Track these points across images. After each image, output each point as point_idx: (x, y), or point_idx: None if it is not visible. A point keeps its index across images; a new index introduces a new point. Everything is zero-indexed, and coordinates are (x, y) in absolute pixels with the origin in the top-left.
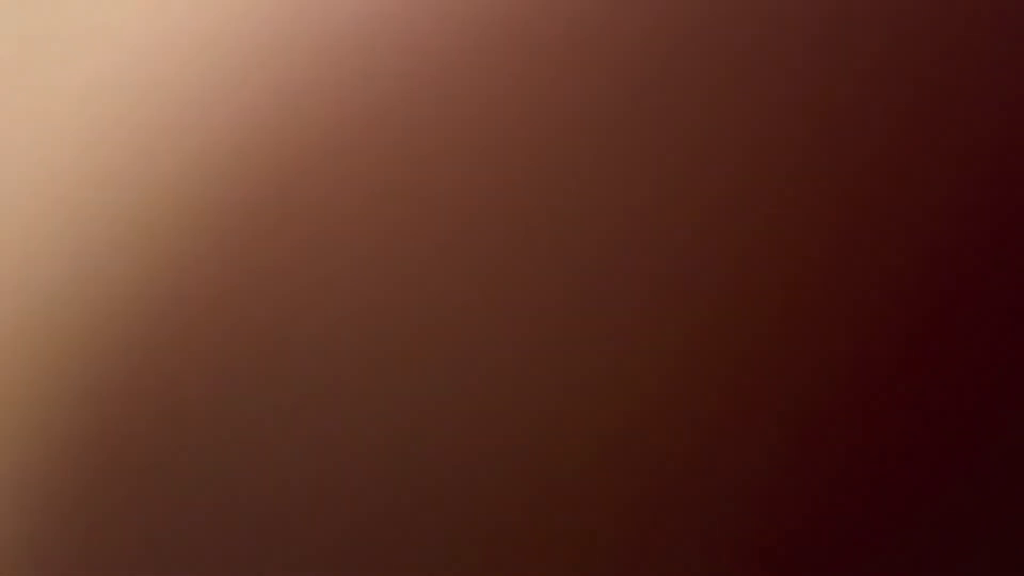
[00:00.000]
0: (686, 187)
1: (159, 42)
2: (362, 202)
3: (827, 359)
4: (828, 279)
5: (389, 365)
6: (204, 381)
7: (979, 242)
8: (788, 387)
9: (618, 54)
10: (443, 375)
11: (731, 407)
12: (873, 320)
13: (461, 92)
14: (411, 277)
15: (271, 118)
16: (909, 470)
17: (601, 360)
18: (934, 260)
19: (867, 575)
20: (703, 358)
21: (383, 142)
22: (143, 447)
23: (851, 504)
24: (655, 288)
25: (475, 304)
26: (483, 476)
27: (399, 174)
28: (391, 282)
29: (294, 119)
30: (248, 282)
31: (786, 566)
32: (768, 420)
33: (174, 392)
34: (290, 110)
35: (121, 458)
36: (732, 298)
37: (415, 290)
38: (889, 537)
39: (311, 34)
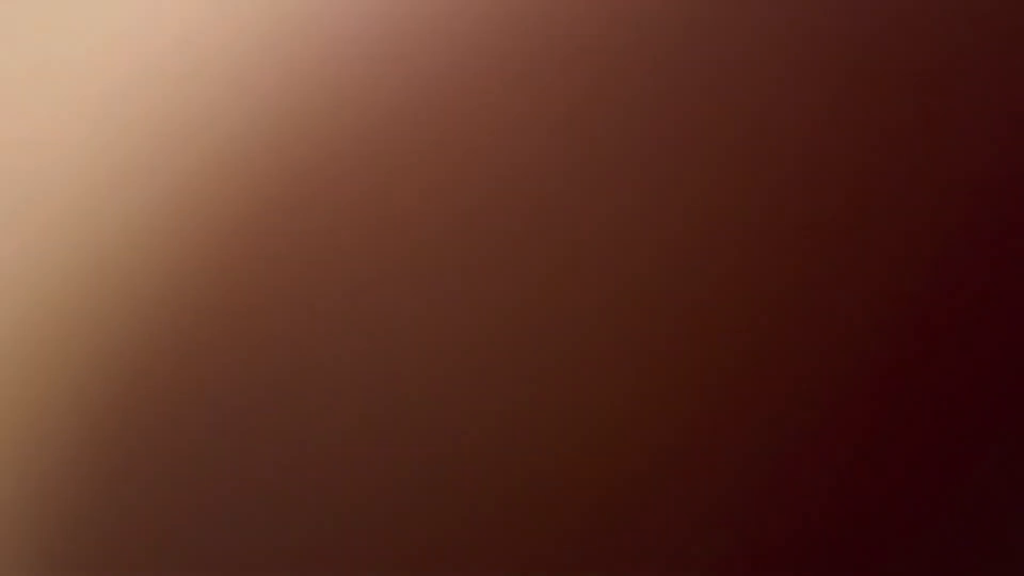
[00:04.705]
0: (683, 187)
1: (167, 44)
2: (378, 206)
3: (825, 359)
4: (828, 280)
5: (397, 368)
6: (212, 384)
7: (985, 246)
8: (787, 387)
9: (627, 56)
10: (448, 378)
11: (726, 407)
12: (876, 323)
13: (480, 98)
14: (416, 279)
15: (288, 122)
16: (911, 473)
17: (597, 360)
18: (939, 261)
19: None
20: (699, 357)
21: (402, 147)
22: (148, 451)
23: (847, 506)
24: (652, 288)
25: (476, 305)
26: (484, 475)
27: (417, 178)
28: (399, 285)
29: (309, 125)
30: (255, 285)
31: (780, 567)
32: (764, 420)
33: (179, 396)
34: (305, 116)
35: (126, 461)
36: (727, 298)
37: (423, 293)
38: (891, 543)
39: (327, 38)
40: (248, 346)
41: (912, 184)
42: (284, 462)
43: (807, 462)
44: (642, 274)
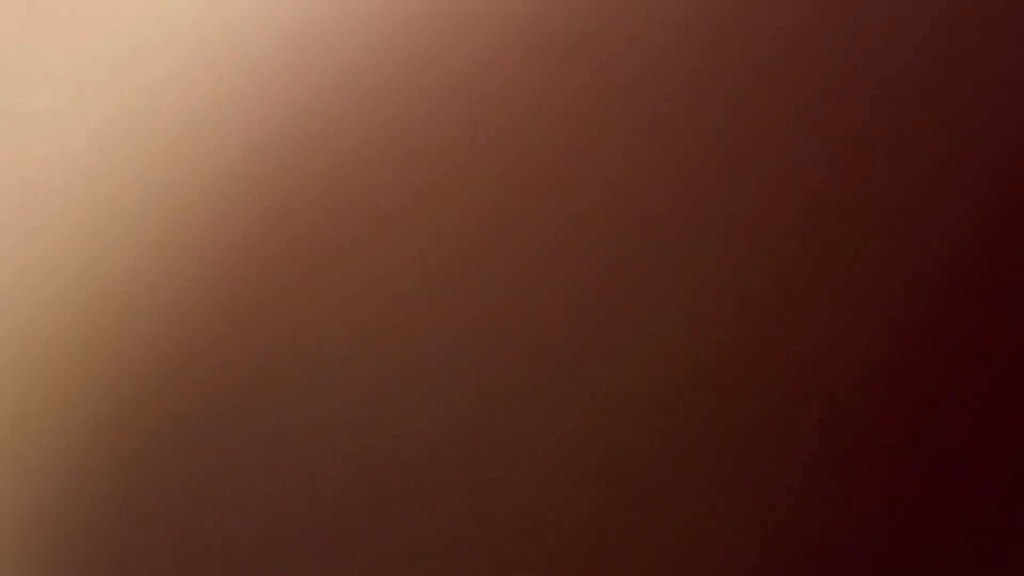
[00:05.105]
0: (697, 192)
1: (165, 44)
2: (385, 208)
3: (826, 360)
4: (829, 280)
5: (408, 375)
6: (212, 385)
7: (988, 245)
8: (788, 387)
9: (626, 55)
10: (457, 386)
11: (725, 406)
12: (876, 323)
13: (488, 103)
14: (424, 284)
15: (294, 123)
16: (910, 473)
17: (598, 359)
18: (955, 265)
19: None
20: (698, 357)
21: (411, 147)
22: (148, 452)
23: (848, 508)
24: (654, 288)
25: (492, 310)
26: (483, 475)
27: (424, 178)
28: (408, 289)
29: (317, 126)
30: (260, 288)
31: (781, 567)
32: (764, 420)
33: (179, 398)
34: (313, 116)
35: (125, 463)
36: (728, 298)
37: (429, 297)
38: (892, 544)
39: (334, 40)
40: (246, 348)
41: (913, 184)
42: (284, 464)
43: (807, 462)
44: (643, 273)
